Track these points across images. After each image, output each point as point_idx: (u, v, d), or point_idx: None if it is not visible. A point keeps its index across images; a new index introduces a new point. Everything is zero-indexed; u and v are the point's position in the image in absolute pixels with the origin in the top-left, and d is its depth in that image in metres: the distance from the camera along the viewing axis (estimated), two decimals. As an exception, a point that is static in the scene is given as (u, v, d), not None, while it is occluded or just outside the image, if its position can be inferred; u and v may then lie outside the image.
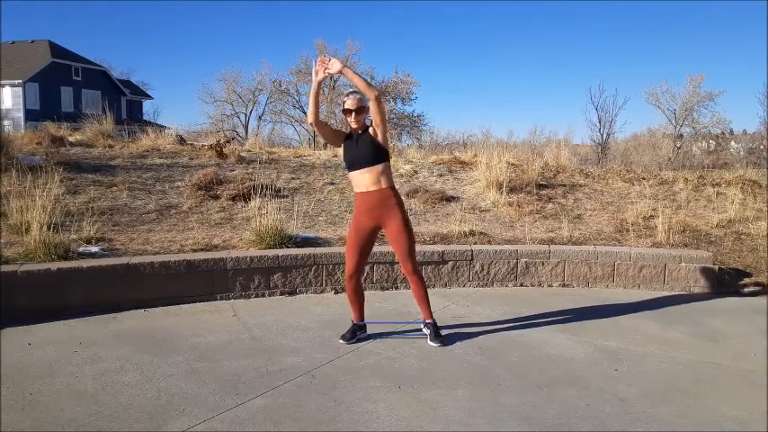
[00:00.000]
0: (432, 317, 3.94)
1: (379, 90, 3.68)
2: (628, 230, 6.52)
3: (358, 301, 3.96)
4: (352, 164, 3.77)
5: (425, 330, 3.96)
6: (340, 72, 3.70)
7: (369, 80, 3.64)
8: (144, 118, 39.50)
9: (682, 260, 5.55)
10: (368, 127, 3.79)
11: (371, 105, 3.68)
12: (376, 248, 5.24)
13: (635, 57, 71.34)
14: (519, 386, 3.29)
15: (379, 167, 3.73)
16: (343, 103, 3.77)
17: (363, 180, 3.74)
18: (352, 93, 3.76)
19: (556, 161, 9.75)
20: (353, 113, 3.72)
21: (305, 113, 41.30)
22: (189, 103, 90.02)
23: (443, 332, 4.05)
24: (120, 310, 4.47)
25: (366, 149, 3.72)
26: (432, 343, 3.86)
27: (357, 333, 3.95)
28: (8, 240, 5.06)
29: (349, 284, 3.91)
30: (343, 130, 3.95)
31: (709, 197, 8.32)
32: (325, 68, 3.70)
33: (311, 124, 3.80)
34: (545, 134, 28.50)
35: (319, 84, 3.74)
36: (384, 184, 3.75)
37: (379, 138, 3.73)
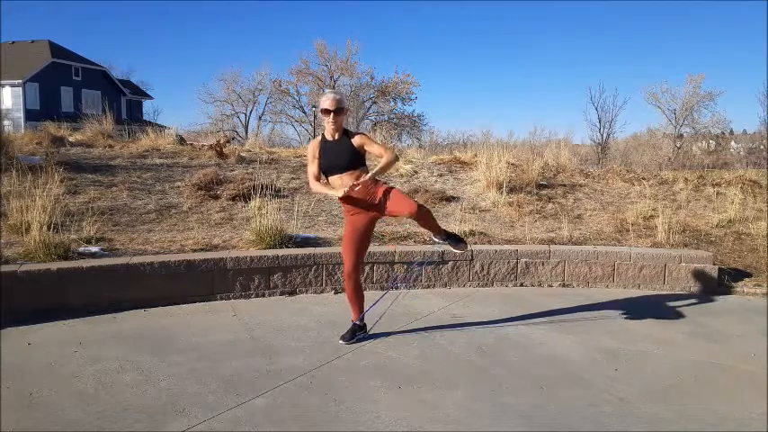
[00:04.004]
0: (444, 231, 3.94)
1: (391, 157, 3.68)
2: (628, 230, 6.52)
3: (358, 300, 3.94)
4: (331, 168, 3.71)
5: (438, 240, 3.93)
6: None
7: (385, 166, 3.60)
8: (144, 118, 39.50)
9: (682, 260, 5.55)
10: (348, 133, 3.73)
11: (392, 158, 3.67)
12: (376, 248, 5.25)
13: (635, 57, 71.38)
14: (519, 386, 3.29)
15: (356, 171, 3.70)
16: (322, 102, 3.70)
17: (342, 183, 3.70)
18: (331, 92, 3.70)
19: (556, 161, 9.75)
20: (332, 114, 3.65)
21: (305, 113, 41.38)
22: (189, 103, 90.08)
23: (443, 332, 4.06)
24: (120, 310, 4.47)
25: (346, 155, 3.67)
26: (456, 250, 3.98)
27: (357, 333, 3.95)
28: (8, 240, 5.06)
29: (348, 283, 3.89)
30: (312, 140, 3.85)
31: (710, 197, 8.32)
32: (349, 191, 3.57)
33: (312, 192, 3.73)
34: (545, 134, 28.52)
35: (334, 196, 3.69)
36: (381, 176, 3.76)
37: (361, 149, 3.71)
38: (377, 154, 3.71)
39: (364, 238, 3.85)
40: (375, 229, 5.92)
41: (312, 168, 3.79)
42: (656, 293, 5.42)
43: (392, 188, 3.73)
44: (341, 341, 3.88)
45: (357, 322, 3.97)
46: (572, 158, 10.43)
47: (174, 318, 4.38)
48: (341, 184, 3.70)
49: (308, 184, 7.79)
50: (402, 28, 73.32)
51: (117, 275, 4.53)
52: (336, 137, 3.72)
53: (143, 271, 4.60)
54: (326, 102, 3.67)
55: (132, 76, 46.82)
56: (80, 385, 3.17)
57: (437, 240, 4.00)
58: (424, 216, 3.74)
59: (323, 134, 3.78)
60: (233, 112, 42.64)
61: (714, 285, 5.50)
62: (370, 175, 3.57)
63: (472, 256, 5.43)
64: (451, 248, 3.97)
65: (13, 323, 4.09)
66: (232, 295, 4.89)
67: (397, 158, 3.72)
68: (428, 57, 71.86)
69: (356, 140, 3.70)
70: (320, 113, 3.74)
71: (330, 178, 3.77)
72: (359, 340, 3.92)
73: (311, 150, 3.79)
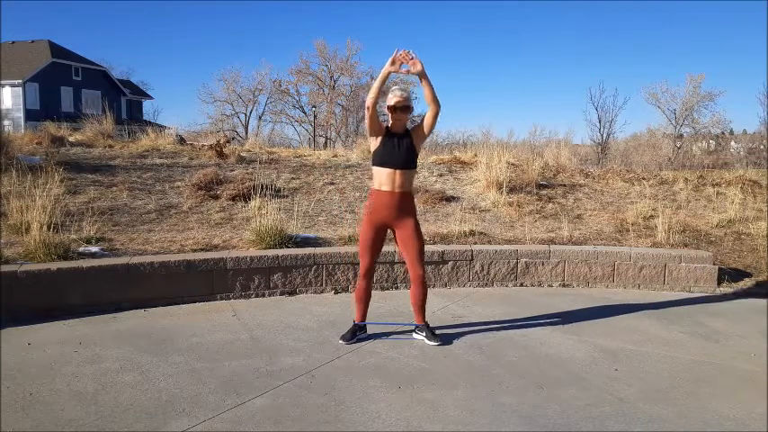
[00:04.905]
0: (425, 320, 3.97)
1: (438, 104, 3.70)
2: (628, 230, 6.52)
3: (365, 302, 3.95)
4: (388, 162, 3.69)
5: (417, 335, 3.98)
6: (418, 74, 3.61)
7: (433, 91, 3.64)
8: (144, 118, 39.51)
9: (682, 260, 5.55)
10: (408, 130, 3.76)
11: (432, 116, 3.70)
12: (376, 248, 5.24)
13: (635, 57, 71.40)
14: (519, 386, 3.29)
15: (412, 172, 3.78)
16: (388, 98, 3.70)
17: (393, 180, 3.70)
18: (397, 89, 3.69)
19: (556, 161, 9.76)
20: (398, 111, 3.68)
21: (305, 113, 41.39)
22: (189, 103, 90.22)
23: (443, 331, 4.06)
24: (120, 310, 4.47)
25: (407, 153, 3.70)
26: (431, 342, 3.87)
27: (357, 333, 3.95)
28: (8, 240, 5.06)
29: (362, 283, 3.88)
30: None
31: (709, 197, 8.32)
32: (401, 63, 3.58)
33: (368, 108, 3.65)
34: (545, 134, 28.65)
35: (389, 73, 3.64)
36: (408, 188, 3.79)
37: (418, 145, 3.76)
38: (429, 123, 3.75)
39: (381, 239, 3.85)
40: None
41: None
42: (656, 293, 5.42)
43: (420, 232, 3.84)
44: (341, 341, 3.88)
45: (358, 323, 3.97)
46: (572, 158, 10.44)
47: (174, 318, 4.38)
48: (392, 181, 3.70)
49: (308, 184, 7.84)
50: (402, 28, 73.34)
51: (117, 275, 4.53)
52: (401, 133, 3.75)
53: (143, 271, 4.60)
54: (393, 99, 3.68)
55: (132, 76, 46.89)
56: (80, 385, 3.17)
57: (415, 330, 4.01)
58: (422, 291, 3.85)
59: (388, 127, 3.78)
60: (233, 112, 42.71)
61: (714, 285, 5.50)
62: (423, 73, 3.61)
63: (472, 256, 5.43)
64: (425, 340, 3.91)
65: (13, 323, 4.09)
66: (232, 295, 4.89)
67: (438, 104, 3.73)
68: (428, 57, 71.92)
69: (413, 133, 3.74)
70: (386, 109, 3.74)
71: (382, 170, 3.72)
72: (359, 340, 3.92)
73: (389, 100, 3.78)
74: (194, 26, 76.35)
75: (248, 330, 4.12)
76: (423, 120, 3.78)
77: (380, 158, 3.73)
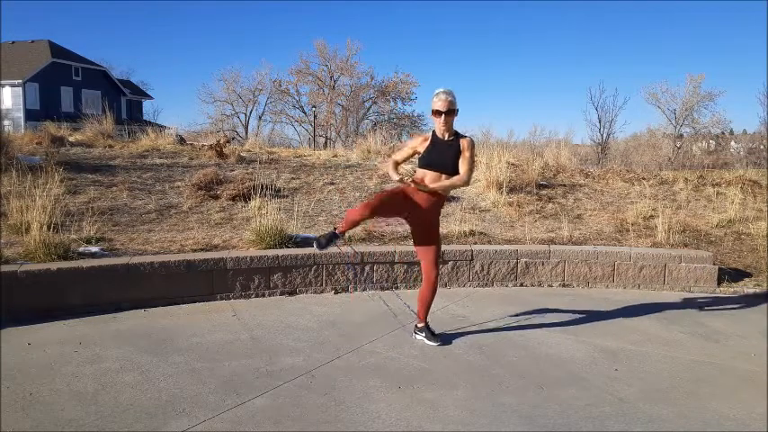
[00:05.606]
0: (426, 320, 3.97)
1: (464, 180, 3.74)
2: (628, 230, 6.52)
3: (354, 225, 3.81)
4: (431, 165, 3.69)
5: (418, 335, 3.97)
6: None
7: (452, 183, 3.76)
8: (144, 118, 39.49)
9: (682, 260, 5.55)
10: (458, 135, 3.74)
11: (464, 181, 3.74)
12: (376, 248, 5.25)
13: (635, 57, 71.39)
14: (519, 386, 3.29)
15: (453, 178, 3.75)
16: (434, 102, 3.70)
17: (438, 181, 3.70)
18: (442, 93, 3.69)
19: (556, 161, 9.76)
20: (443, 115, 3.66)
21: (305, 113, 41.42)
22: (189, 103, 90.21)
23: (443, 331, 4.07)
24: (120, 310, 4.47)
25: (451, 158, 3.68)
26: (431, 342, 3.88)
27: (334, 240, 3.76)
28: (8, 240, 5.06)
29: (361, 212, 3.63)
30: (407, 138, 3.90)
31: (709, 197, 8.32)
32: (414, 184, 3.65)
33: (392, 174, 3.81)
34: (545, 134, 28.72)
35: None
36: (446, 194, 3.84)
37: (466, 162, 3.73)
38: (460, 169, 3.71)
39: (398, 208, 3.77)
40: (375, 229, 5.94)
41: (400, 154, 3.91)
42: (656, 293, 5.42)
43: (439, 231, 3.91)
44: (316, 248, 3.70)
45: (340, 233, 3.76)
46: (572, 158, 10.45)
47: (174, 318, 4.38)
48: (438, 181, 3.70)
49: (308, 184, 7.84)
50: (402, 28, 73.39)
51: (117, 275, 4.53)
52: (446, 137, 3.73)
53: (143, 271, 4.60)
54: (438, 103, 3.67)
55: (132, 76, 46.84)
56: (80, 385, 3.17)
57: (415, 330, 4.01)
58: (430, 290, 3.88)
59: (434, 131, 3.77)
60: (233, 112, 42.74)
61: (714, 285, 5.50)
62: (437, 185, 3.66)
63: (472, 256, 5.43)
64: (425, 340, 3.92)
65: (13, 323, 4.09)
66: (232, 295, 4.89)
67: (466, 184, 3.81)
68: (428, 57, 71.93)
69: (462, 143, 3.71)
70: (431, 114, 3.74)
71: (425, 172, 3.73)
72: (334, 245, 3.74)
73: (414, 141, 3.85)
74: (194, 26, 76.31)
75: (248, 330, 4.12)
76: (463, 154, 3.71)
77: (425, 161, 3.71)
